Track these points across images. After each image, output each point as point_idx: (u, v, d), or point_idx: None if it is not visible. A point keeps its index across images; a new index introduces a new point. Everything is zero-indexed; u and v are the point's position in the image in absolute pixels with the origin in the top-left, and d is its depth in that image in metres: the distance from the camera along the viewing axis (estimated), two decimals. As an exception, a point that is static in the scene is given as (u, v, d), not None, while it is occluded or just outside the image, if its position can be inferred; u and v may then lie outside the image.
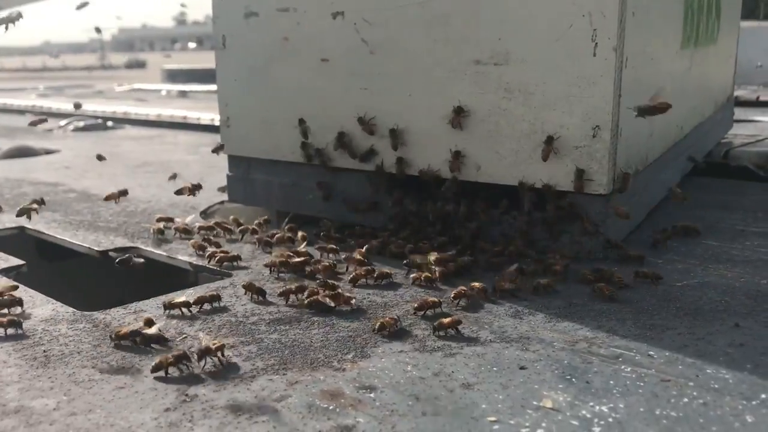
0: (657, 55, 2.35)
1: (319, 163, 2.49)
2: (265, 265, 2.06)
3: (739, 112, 4.82)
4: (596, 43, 1.94)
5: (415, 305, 1.70)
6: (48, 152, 4.89)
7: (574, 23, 1.95)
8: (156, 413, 1.24)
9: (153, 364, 1.40)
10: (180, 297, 1.77)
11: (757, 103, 6.22)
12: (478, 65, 2.12)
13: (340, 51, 2.38)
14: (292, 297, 1.81)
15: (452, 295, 1.76)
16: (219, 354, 1.43)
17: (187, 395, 1.31)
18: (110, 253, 2.31)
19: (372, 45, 2.31)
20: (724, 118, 4.01)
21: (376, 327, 1.58)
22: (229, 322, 1.69)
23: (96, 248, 2.35)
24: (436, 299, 1.71)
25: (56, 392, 1.33)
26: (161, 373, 1.39)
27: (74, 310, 1.78)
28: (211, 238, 2.36)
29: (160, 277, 2.24)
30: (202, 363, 1.41)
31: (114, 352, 1.51)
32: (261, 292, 1.83)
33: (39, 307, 1.79)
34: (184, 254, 2.26)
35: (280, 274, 2.03)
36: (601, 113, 1.97)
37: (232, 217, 2.60)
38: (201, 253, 2.22)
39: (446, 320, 1.57)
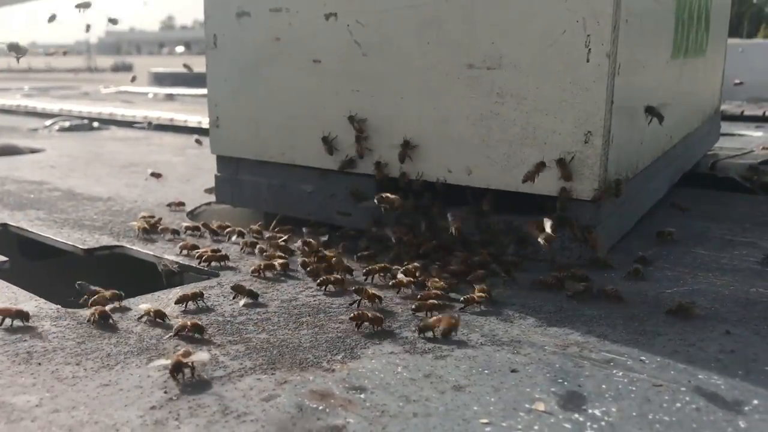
0: (648, 63, 2.35)
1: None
2: (253, 272, 2.02)
3: (725, 126, 4.86)
4: (590, 49, 1.94)
5: (413, 306, 1.68)
6: (33, 151, 4.84)
7: (567, 29, 1.95)
8: (141, 411, 1.22)
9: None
10: (145, 304, 1.68)
11: (741, 118, 6.28)
12: (471, 69, 2.12)
13: (333, 52, 2.37)
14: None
15: (462, 300, 1.72)
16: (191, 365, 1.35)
17: (173, 393, 1.28)
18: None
19: (365, 47, 2.30)
20: (711, 130, 4.04)
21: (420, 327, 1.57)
22: (216, 321, 1.66)
23: (81, 246, 2.32)
24: (436, 301, 1.68)
25: (39, 389, 1.30)
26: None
27: (58, 306, 1.75)
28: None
29: (146, 277, 2.21)
30: (178, 376, 1.33)
31: (99, 349, 1.48)
32: (253, 294, 1.80)
33: (22, 304, 1.75)
34: (170, 254, 2.23)
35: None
36: (593, 119, 1.97)
37: (216, 224, 2.53)
38: (188, 253, 2.19)
39: (432, 320, 1.55)
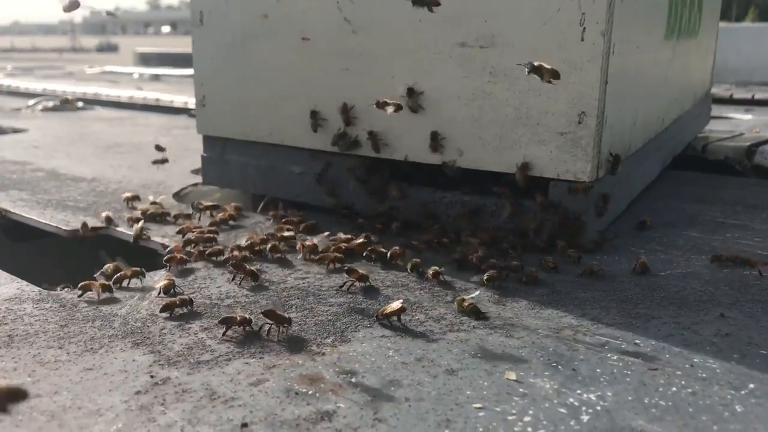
0: (642, 44, 2.32)
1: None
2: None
3: (714, 109, 4.84)
4: (584, 28, 1.90)
5: (377, 314, 1.53)
6: (16, 131, 4.75)
7: (562, 7, 1.92)
8: (126, 396, 1.18)
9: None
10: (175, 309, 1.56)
11: (730, 101, 6.27)
12: (464, 48, 2.08)
13: (322, 30, 2.32)
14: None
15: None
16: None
17: (158, 377, 1.25)
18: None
19: (355, 24, 2.25)
20: (701, 113, 4.02)
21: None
22: (203, 304, 1.63)
23: (65, 227, 2.27)
24: (401, 306, 1.52)
25: (20, 373, 1.26)
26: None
27: (40, 289, 1.70)
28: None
29: (131, 259, 2.17)
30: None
31: (82, 332, 1.44)
32: (254, 275, 1.76)
33: (3, 286, 1.72)
34: (156, 235, 2.19)
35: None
36: (587, 99, 1.93)
37: (204, 203, 2.50)
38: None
39: (388, 309, 1.51)
